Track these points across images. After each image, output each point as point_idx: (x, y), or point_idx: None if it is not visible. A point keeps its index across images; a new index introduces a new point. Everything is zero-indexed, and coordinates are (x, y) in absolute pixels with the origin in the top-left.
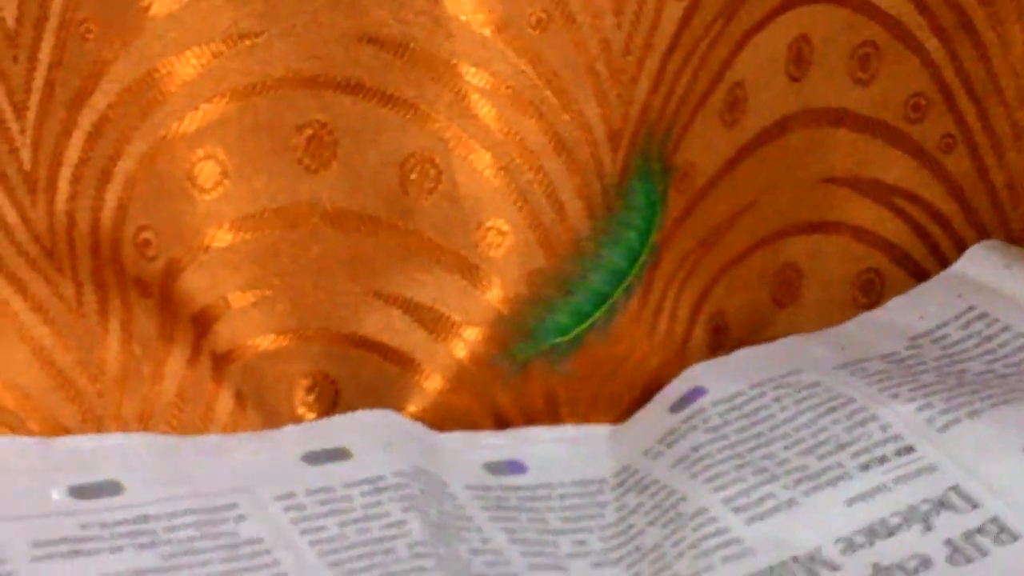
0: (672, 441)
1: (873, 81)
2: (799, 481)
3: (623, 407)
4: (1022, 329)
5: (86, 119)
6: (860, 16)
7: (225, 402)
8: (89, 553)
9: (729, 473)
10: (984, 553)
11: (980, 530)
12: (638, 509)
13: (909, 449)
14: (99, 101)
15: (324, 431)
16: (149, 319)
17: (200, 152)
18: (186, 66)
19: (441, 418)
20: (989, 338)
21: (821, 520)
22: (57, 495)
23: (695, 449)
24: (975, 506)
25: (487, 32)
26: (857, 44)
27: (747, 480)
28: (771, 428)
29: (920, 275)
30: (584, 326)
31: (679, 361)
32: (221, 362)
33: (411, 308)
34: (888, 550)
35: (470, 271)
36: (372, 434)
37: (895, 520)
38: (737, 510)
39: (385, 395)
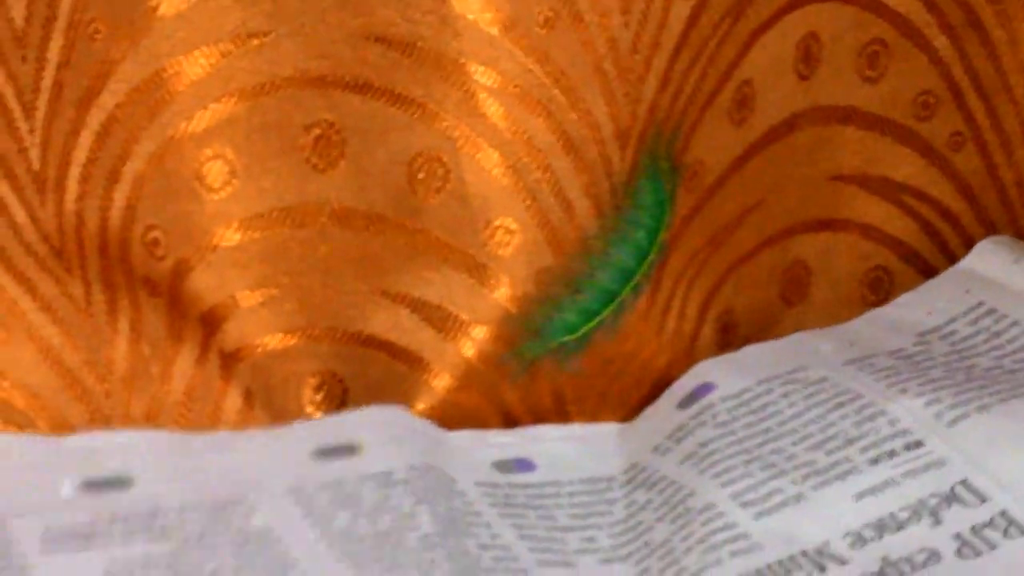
0: (680, 437)
1: (882, 79)
2: (807, 476)
3: (631, 405)
4: None
5: (95, 119)
6: (868, 14)
7: (233, 401)
8: (100, 544)
9: (737, 468)
10: (993, 547)
11: (989, 524)
12: (647, 505)
13: (918, 444)
14: (107, 101)
15: (334, 427)
16: (158, 319)
17: (208, 152)
18: (194, 66)
19: (449, 416)
20: (998, 333)
21: (829, 514)
22: (67, 489)
23: (703, 445)
24: (984, 500)
25: (495, 31)
26: (866, 42)
27: (755, 475)
28: (779, 423)
29: (929, 273)
30: (592, 324)
31: (687, 359)
32: (229, 361)
33: (419, 307)
34: (897, 544)
35: (478, 270)
36: (382, 430)
37: (904, 514)
38: (745, 505)
39: (393, 394)
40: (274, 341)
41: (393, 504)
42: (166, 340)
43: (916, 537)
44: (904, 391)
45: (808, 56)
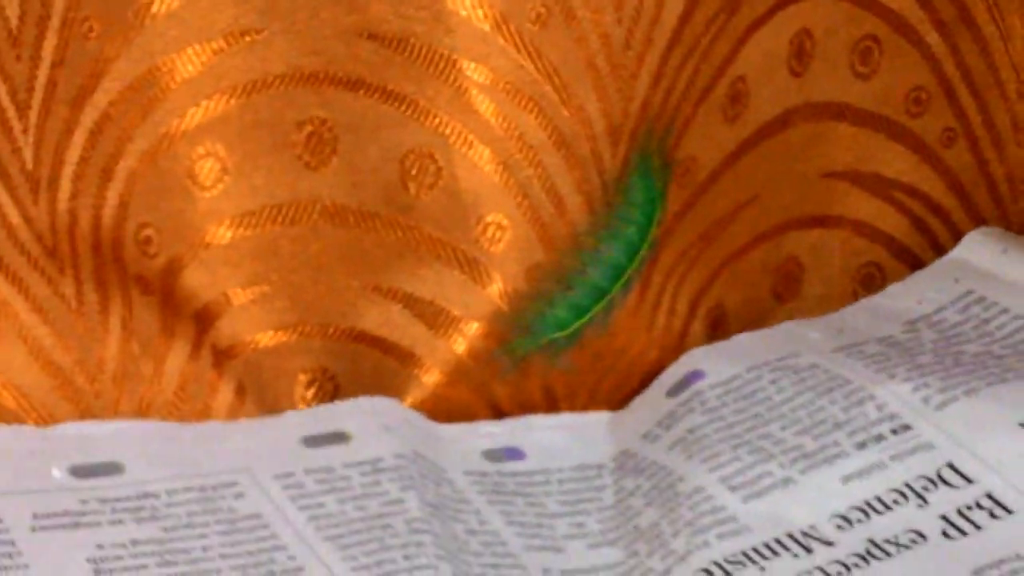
0: (670, 424)
1: (874, 75)
2: (795, 460)
3: (621, 400)
4: (1020, 311)
5: (88, 117)
6: (861, 10)
7: (225, 397)
8: (89, 525)
9: (726, 453)
10: (978, 527)
11: (975, 505)
12: (636, 491)
13: (905, 427)
14: (101, 99)
15: (323, 416)
16: (149, 317)
17: (201, 149)
18: (187, 63)
19: (439, 411)
20: (987, 321)
21: (817, 497)
22: (58, 473)
23: (692, 431)
24: (970, 482)
25: (487, 27)
26: (858, 38)
27: (743, 459)
28: (768, 409)
29: (920, 269)
30: (583, 321)
31: (677, 355)
32: (221, 358)
33: (411, 303)
34: (883, 525)
35: (470, 266)
36: (371, 419)
37: (890, 496)
38: (733, 488)
39: (385, 390)
40: (266, 338)
41: (381, 490)
42: (158, 338)
43: (902, 518)
44: (892, 376)
45: (801, 52)
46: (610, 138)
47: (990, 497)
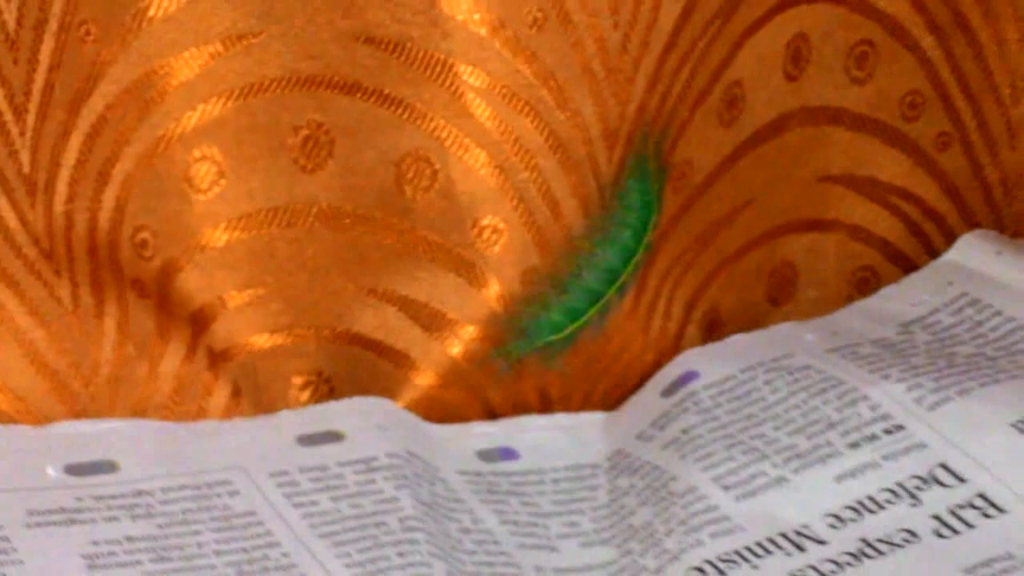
0: (664, 424)
1: (869, 80)
2: (788, 459)
3: (616, 403)
4: (1013, 313)
5: (85, 121)
6: (856, 15)
7: (220, 400)
8: (84, 522)
9: (719, 453)
10: (971, 526)
11: (967, 504)
12: (630, 491)
13: (898, 427)
14: (98, 102)
15: (318, 415)
16: (145, 320)
17: (197, 152)
18: (184, 67)
19: (434, 412)
20: (980, 323)
21: (810, 497)
22: (52, 471)
23: (686, 431)
24: (962, 481)
25: (483, 32)
26: (853, 43)
27: (737, 459)
28: (762, 409)
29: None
30: (578, 324)
31: (672, 358)
32: (217, 360)
33: (406, 306)
34: (876, 524)
35: (466, 269)
36: (365, 419)
37: (883, 496)
38: (727, 488)
39: (380, 392)
40: (262, 340)
41: (375, 488)
42: (153, 341)
43: (895, 517)
44: (886, 377)
45: (797, 57)
46: (606, 142)
47: (982, 496)
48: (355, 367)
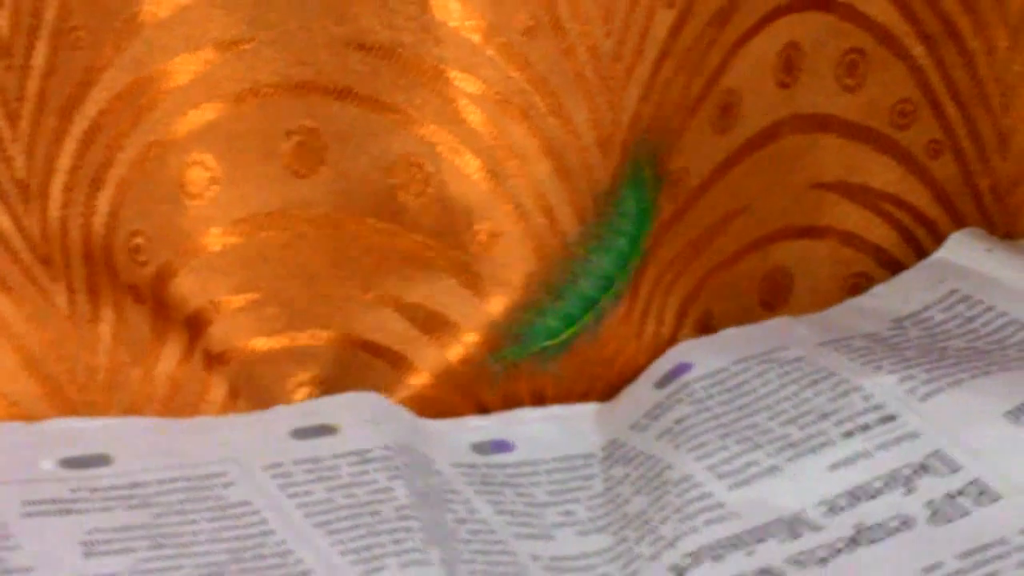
0: (658, 415)
1: (860, 88)
2: (782, 449)
3: None
4: (1005, 308)
5: (78, 127)
6: (847, 23)
7: (216, 402)
8: (79, 512)
9: (713, 442)
10: (965, 513)
11: (961, 492)
12: (624, 480)
13: (891, 418)
14: (91, 108)
15: (312, 410)
16: (141, 324)
17: (190, 158)
18: (177, 73)
19: (427, 411)
20: (971, 319)
21: (804, 485)
22: (47, 465)
23: (680, 421)
24: (956, 469)
25: (476, 38)
26: (845, 51)
27: (731, 448)
28: (755, 400)
29: None
30: (573, 330)
31: None
32: (212, 364)
33: (401, 309)
34: (870, 511)
35: (459, 273)
36: (359, 413)
37: (877, 483)
38: (721, 476)
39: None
40: (256, 345)
41: (369, 479)
42: (148, 346)
43: (889, 505)
44: (879, 368)
45: (789, 65)
46: (600, 149)
47: (976, 484)
48: (350, 369)
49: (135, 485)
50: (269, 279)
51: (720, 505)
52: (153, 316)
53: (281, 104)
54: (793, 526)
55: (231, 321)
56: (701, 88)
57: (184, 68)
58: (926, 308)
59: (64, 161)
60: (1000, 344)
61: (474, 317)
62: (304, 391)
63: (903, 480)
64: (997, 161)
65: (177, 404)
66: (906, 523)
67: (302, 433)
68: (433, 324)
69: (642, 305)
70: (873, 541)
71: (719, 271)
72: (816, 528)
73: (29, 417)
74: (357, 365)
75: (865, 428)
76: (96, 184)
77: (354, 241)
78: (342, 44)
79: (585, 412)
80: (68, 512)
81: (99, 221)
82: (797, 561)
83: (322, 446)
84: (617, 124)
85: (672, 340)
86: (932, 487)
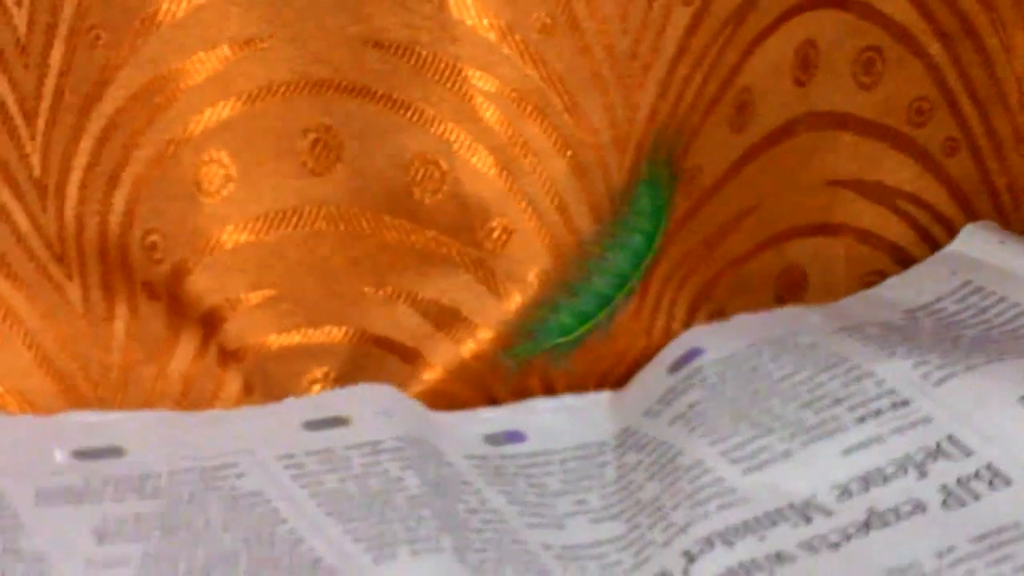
0: (670, 400)
1: (877, 86)
2: (795, 434)
3: None
4: (1018, 299)
5: (95, 125)
6: (864, 21)
7: (229, 402)
8: (92, 501)
9: (726, 427)
10: (977, 497)
11: (974, 476)
12: (637, 466)
13: (904, 403)
14: (107, 107)
15: (324, 402)
16: (156, 322)
17: (206, 156)
18: (193, 71)
19: (438, 405)
20: (985, 309)
21: (816, 469)
22: (60, 456)
23: (692, 406)
24: (969, 454)
25: (492, 37)
26: (861, 49)
27: (743, 433)
28: (768, 385)
29: None
30: (587, 327)
31: None
32: (227, 362)
33: (416, 306)
34: (883, 496)
35: (475, 270)
36: (371, 405)
37: (890, 468)
38: (733, 462)
39: None
40: (272, 342)
41: (381, 469)
42: (163, 343)
43: (902, 489)
44: (892, 354)
45: (805, 63)
46: (616, 147)
47: (990, 468)
48: (365, 366)
49: (147, 476)
50: (284, 276)
51: (732, 490)
52: (168, 313)
53: (297, 102)
54: (805, 511)
55: (246, 318)
56: (717, 86)
57: (200, 67)
58: (939, 299)
59: (80, 159)
60: (1014, 333)
61: (488, 313)
62: (318, 387)
63: (916, 465)
64: (1014, 159)
65: (191, 401)
66: (919, 508)
67: (314, 425)
68: (447, 320)
69: (654, 301)
70: (886, 526)
71: (733, 268)
72: (828, 513)
73: (44, 414)
74: (371, 361)
75: (878, 413)
76: (112, 182)
77: (369, 238)
78: (359, 42)
79: (598, 401)
80: (81, 501)
81: (115, 219)
82: (809, 546)
83: (334, 437)
84: (633, 122)
85: None
86: (945, 472)
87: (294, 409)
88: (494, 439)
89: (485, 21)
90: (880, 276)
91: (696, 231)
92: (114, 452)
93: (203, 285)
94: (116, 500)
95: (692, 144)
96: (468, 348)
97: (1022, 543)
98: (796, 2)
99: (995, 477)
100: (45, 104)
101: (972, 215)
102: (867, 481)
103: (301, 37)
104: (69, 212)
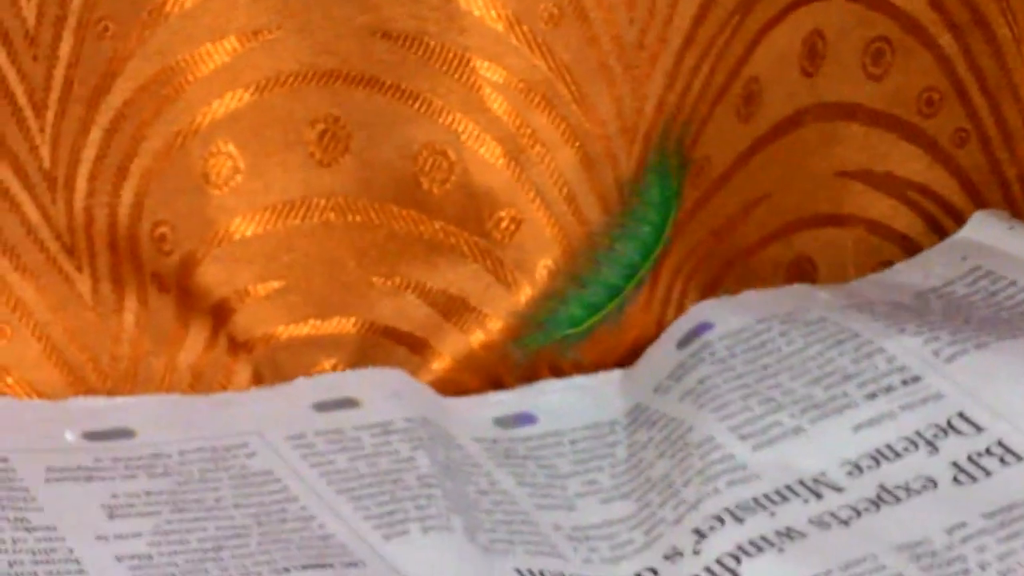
0: (680, 375)
1: (886, 76)
2: (805, 410)
3: None
4: None
5: (104, 116)
6: (873, 12)
7: (240, 386)
8: (102, 479)
9: (735, 403)
10: (989, 473)
11: (985, 452)
12: (648, 444)
13: (915, 379)
14: (116, 98)
15: (333, 384)
16: (165, 313)
17: (214, 147)
18: (201, 62)
19: (448, 392)
20: (994, 293)
21: (827, 446)
22: (71, 437)
23: (702, 381)
24: (980, 430)
25: (500, 27)
26: (870, 39)
27: (753, 409)
28: (778, 360)
29: None
30: (596, 318)
31: None
32: (237, 353)
33: (424, 295)
34: (894, 472)
35: (483, 260)
36: (381, 387)
37: (901, 444)
38: (743, 437)
39: None
40: (280, 332)
41: (391, 449)
42: (172, 335)
43: (913, 465)
44: (902, 331)
45: (814, 53)
46: (624, 137)
47: (1001, 444)
48: (374, 356)
49: (158, 455)
50: (293, 267)
51: (742, 467)
52: (177, 305)
53: (305, 93)
54: (816, 487)
55: (255, 309)
56: (725, 76)
57: (209, 58)
58: (949, 283)
59: (90, 151)
60: None
61: (497, 304)
62: None
63: (926, 441)
64: None
65: (200, 392)
66: (930, 484)
67: (324, 406)
68: (456, 310)
69: (663, 292)
70: (897, 502)
71: (742, 259)
72: (839, 489)
73: None
74: (380, 351)
75: (889, 389)
76: (121, 174)
77: (378, 229)
78: (367, 33)
79: (608, 379)
80: (91, 479)
81: (124, 211)
82: (820, 522)
83: (344, 418)
84: (641, 112)
85: None
86: (956, 448)
87: (304, 390)
88: (504, 422)
89: (493, 12)
90: (889, 267)
91: (705, 222)
92: (124, 434)
93: (212, 277)
94: (126, 478)
95: (700, 134)
96: (477, 338)
97: None
98: None
99: (1006, 453)
100: (54, 96)
101: (982, 206)
102: (877, 457)
103: (309, 28)
104: (78, 204)
